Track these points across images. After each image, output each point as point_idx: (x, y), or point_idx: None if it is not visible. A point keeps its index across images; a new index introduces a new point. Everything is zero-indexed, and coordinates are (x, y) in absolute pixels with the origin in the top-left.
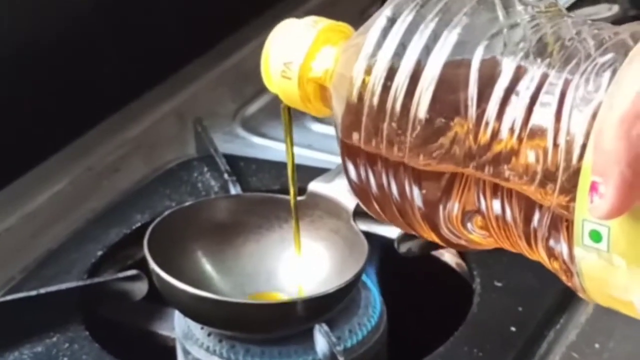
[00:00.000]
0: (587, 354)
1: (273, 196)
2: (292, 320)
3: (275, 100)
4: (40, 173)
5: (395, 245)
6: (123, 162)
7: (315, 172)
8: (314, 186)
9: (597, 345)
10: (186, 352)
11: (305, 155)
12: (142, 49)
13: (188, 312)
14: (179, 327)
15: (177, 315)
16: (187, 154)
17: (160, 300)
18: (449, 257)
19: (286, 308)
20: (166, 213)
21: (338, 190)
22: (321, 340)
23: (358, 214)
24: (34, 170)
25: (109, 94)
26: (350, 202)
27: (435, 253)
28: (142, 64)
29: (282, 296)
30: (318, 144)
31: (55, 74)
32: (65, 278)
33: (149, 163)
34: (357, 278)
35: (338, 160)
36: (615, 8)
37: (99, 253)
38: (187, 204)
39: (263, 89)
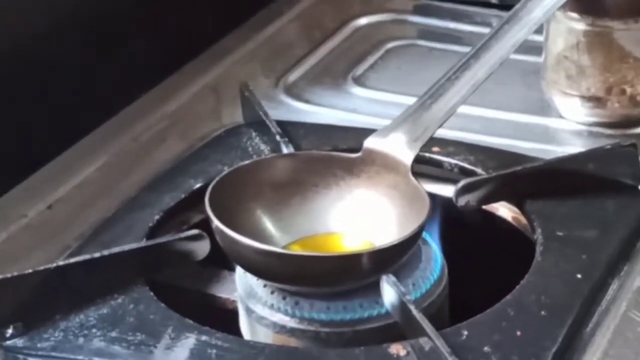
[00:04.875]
0: None
1: (329, 153)
2: (358, 272)
3: (315, 67)
4: (84, 146)
5: (454, 198)
6: (166, 133)
7: (365, 132)
8: (370, 142)
9: None
10: (249, 311)
11: (351, 119)
12: (175, 24)
13: (252, 269)
14: (241, 286)
15: (239, 274)
16: (225, 126)
17: (218, 263)
18: (504, 211)
19: (352, 260)
20: (225, 172)
21: (394, 145)
22: (389, 291)
23: (415, 169)
24: (78, 143)
25: (145, 70)
26: (407, 156)
27: (490, 208)
28: (176, 39)
29: (345, 247)
30: (362, 108)
31: (93, 50)
32: (123, 243)
33: (188, 135)
34: (421, 229)
35: (385, 122)
36: None
37: (156, 217)
38: (246, 162)
39: (299, 59)
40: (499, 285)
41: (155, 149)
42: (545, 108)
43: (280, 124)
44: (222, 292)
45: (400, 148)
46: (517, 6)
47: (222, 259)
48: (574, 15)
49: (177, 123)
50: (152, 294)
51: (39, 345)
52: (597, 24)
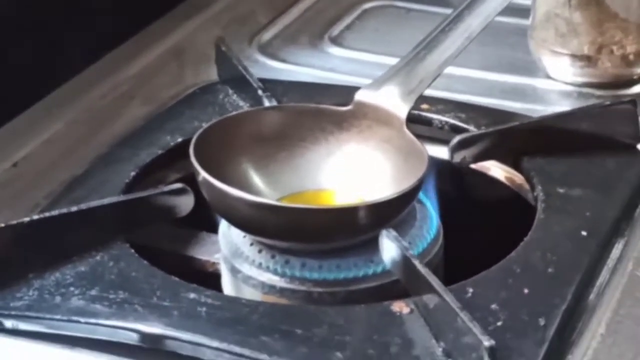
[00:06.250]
0: None
1: (318, 107)
2: (356, 226)
3: (290, 26)
4: (49, 103)
5: (449, 154)
6: (132, 93)
7: (348, 90)
8: (361, 95)
9: None
10: (235, 271)
11: (329, 78)
12: None
13: (242, 224)
14: (225, 245)
15: (223, 232)
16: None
17: (195, 225)
18: (497, 171)
19: (351, 213)
20: (209, 124)
21: (387, 98)
22: (390, 246)
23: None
24: (42, 101)
25: (107, 30)
26: (402, 109)
27: (482, 168)
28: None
29: (337, 203)
30: (341, 67)
31: (59, 8)
32: (97, 199)
33: (152, 97)
34: (421, 181)
35: (365, 81)
36: None
37: (132, 173)
38: (231, 114)
39: (273, 18)
40: (492, 247)
41: (123, 108)
42: (532, 69)
43: (259, 81)
44: (201, 254)
45: (393, 101)
46: None
47: (199, 221)
48: None
49: (140, 84)
50: (133, 251)
51: (11, 304)
52: None
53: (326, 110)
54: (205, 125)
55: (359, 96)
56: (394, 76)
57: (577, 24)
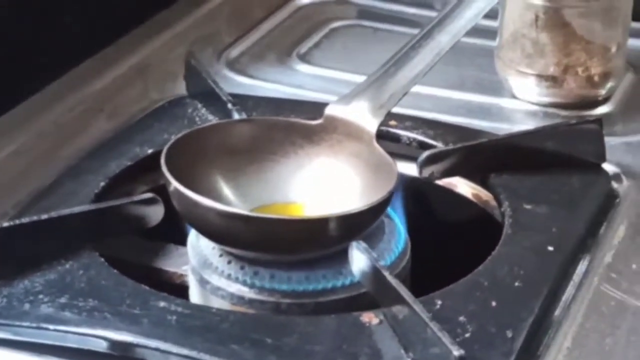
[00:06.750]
0: (626, 275)
1: (288, 120)
2: (327, 238)
3: (258, 43)
4: (19, 113)
5: (417, 169)
6: (99, 107)
7: (317, 106)
8: (332, 109)
9: (634, 266)
10: (204, 282)
11: (297, 94)
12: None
13: (213, 234)
14: (193, 256)
15: (191, 243)
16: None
17: (162, 237)
18: (464, 188)
19: (322, 224)
20: (181, 134)
21: (357, 112)
22: (359, 258)
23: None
24: (11, 112)
25: (74, 45)
26: (371, 123)
27: (449, 185)
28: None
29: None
30: (309, 84)
31: (29, 19)
32: (66, 209)
33: (117, 112)
34: (391, 194)
35: (332, 98)
36: None
37: (102, 184)
38: (202, 125)
39: (242, 35)
40: (458, 263)
41: (90, 122)
42: (498, 89)
43: (229, 95)
44: (168, 265)
45: (363, 115)
46: None
47: (166, 234)
48: None
49: (107, 99)
50: (102, 259)
51: None
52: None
53: (296, 124)
54: (176, 136)
55: (329, 110)
56: (364, 91)
57: (543, 44)
